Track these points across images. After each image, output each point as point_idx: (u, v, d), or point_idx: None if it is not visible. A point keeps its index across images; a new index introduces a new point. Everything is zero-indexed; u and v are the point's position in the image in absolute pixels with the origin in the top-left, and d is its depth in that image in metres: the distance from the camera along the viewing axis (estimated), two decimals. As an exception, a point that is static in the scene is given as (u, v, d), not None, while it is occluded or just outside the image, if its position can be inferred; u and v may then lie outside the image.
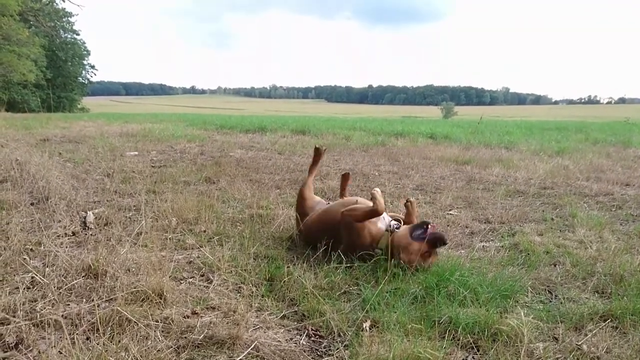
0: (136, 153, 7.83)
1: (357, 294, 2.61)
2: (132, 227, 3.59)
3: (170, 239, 3.40)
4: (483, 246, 3.52)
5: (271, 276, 2.78)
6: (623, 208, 4.65)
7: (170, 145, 9.03)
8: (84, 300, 2.36)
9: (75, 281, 2.55)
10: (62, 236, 3.37)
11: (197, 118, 20.26)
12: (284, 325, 2.28)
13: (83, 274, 2.64)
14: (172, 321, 2.18)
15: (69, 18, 43.69)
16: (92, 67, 49.87)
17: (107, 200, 4.45)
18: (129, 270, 2.69)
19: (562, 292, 2.69)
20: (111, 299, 2.35)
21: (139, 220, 3.73)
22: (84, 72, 48.74)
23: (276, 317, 2.36)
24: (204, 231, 3.61)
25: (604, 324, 2.29)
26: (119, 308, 2.13)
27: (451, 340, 2.13)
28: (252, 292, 2.59)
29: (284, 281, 2.68)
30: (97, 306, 2.24)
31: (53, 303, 2.31)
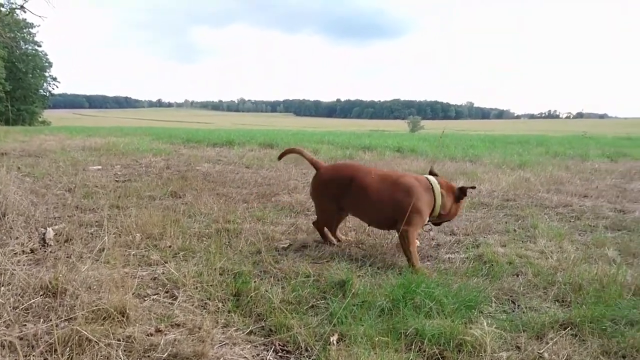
0: (99, 167, 7.65)
1: (325, 307, 2.60)
2: (94, 243, 3.49)
3: (134, 255, 3.33)
4: (449, 258, 3.58)
5: (238, 291, 2.75)
6: (581, 219, 4.80)
7: (135, 159, 8.87)
8: (42, 320, 2.28)
9: (32, 300, 2.46)
10: (20, 254, 3.25)
11: (164, 131, 19.96)
12: (250, 341, 2.26)
13: (41, 293, 2.55)
14: (135, 340, 2.12)
15: (30, 29, 42.68)
16: (54, 79, 48.67)
17: (68, 216, 4.33)
18: (90, 288, 2.61)
19: (525, 301, 2.75)
20: (71, 318, 2.27)
21: (101, 236, 3.63)
22: (45, 84, 47.50)
23: (243, 332, 2.33)
24: (169, 246, 3.55)
25: (564, 331, 2.35)
26: (78, 327, 2.07)
27: (417, 351, 2.15)
28: (218, 308, 2.55)
29: (251, 296, 2.66)
30: (56, 326, 2.16)
31: (8, 324, 2.22)
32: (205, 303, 2.62)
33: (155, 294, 2.72)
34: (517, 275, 3.19)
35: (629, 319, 2.46)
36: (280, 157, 4.23)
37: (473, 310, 2.56)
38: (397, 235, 3.69)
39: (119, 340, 2.11)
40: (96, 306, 2.35)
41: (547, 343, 2.26)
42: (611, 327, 2.39)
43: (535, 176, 7.42)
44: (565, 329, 2.38)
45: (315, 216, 3.94)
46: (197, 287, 2.80)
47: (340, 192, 3.61)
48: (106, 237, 3.43)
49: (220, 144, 12.43)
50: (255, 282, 2.86)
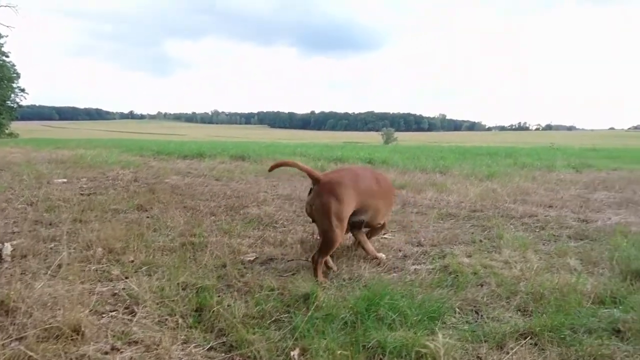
0: (65, 180, 7.47)
1: (289, 321, 2.57)
2: (53, 258, 3.39)
3: (94, 270, 3.24)
4: (415, 269, 3.58)
5: (200, 306, 2.70)
6: (546, 229, 4.88)
7: (102, 172, 8.69)
8: (-10, 340, 2.19)
9: (-18, 319, 2.36)
10: (-27, 270, 3.13)
11: (134, 144, 19.67)
12: (210, 357, 2.21)
13: (-8, 312, 2.46)
14: (89, 358, 2.06)
15: (-2, 39, 41.69)
16: (22, 90, 47.44)
17: (28, 231, 4.19)
18: (44, 306, 2.52)
19: (487, 311, 2.77)
20: (21, 338, 2.19)
21: (61, 251, 3.53)
22: (13, 95, 46.31)
23: (203, 349, 2.28)
24: (132, 261, 3.46)
25: (524, 341, 2.37)
26: (23, 348, 1.98)
27: (378, 364, 2.13)
28: (178, 324, 2.49)
29: (213, 311, 2.61)
30: (3, 346, 2.08)
31: (-46, 344, 2.12)
32: (165, 319, 2.56)
33: (113, 311, 2.64)
34: (481, 286, 3.21)
35: (587, 327, 2.51)
36: (271, 169, 3.68)
37: (436, 322, 2.56)
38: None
39: (71, 359, 2.03)
40: (50, 324, 2.27)
41: (508, 353, 2.27)
42: (570, 336, 2.42)
43: (502, 187, 7.54)
44: (525, 338, 2.40)
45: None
46: (157, 302, 2.74)
47: (363, 200, 3.46)
48: (65, 252, 3.34)
49: (191, 156, 12.30)
50: (218, 296, 2.82)
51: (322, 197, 3.30)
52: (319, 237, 3.48)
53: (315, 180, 3.40)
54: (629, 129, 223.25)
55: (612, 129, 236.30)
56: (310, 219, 3.57)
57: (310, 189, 3.45)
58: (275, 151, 14.54)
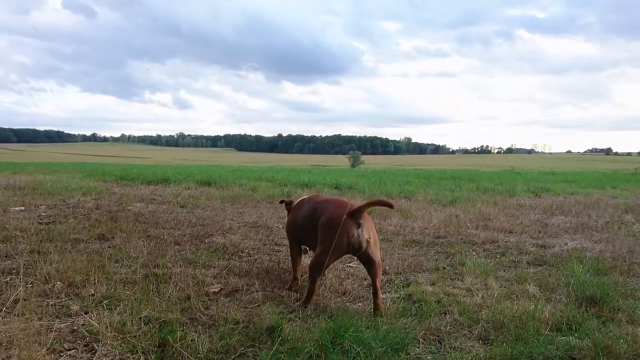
0: (22, 208, 7.24)
1: (254, 356, 2.55)
2: (9, 293, 3.27)
3: (52, 305, 3.14)
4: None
5: (163, 342, 2.65)
6: (506, 255, 5.02)
7: (62, 199, 8.46)
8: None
9: None
10: None
11: (97, 168, 19.25)
12: (172, 396, 2.17)
13: (-59, 354, 2.35)
14: (45, 402, 1.99)
15: (-47, 60, 40.46)
16: (-22, 112, 45.95)
17: (-18, 264, 4.04)
18: (-1, 345, 2.43)
19: (450, 341, 2.82)
20: (-27, 382, 2.10)
21: (17, 285, 3.41)
22: (-33, 117, 44.79)
23: (165, 387, 2.23)
24: (92, 295, 3.38)
25: (484, 371, 2.42)
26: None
27: (343, 399, 2.14)
28: (140, 362, 2.44)
29: (176, 347, 2.56)
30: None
31: None
32: (127, 356, 2.50)
33: (72, 349, 2.57)
34: (445, 314, 3.26)
35: (545, 355, 2.58)
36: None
37: (400, 353, 2.59)
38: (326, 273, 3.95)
39: (26, 403, 1.97)
40: (4, 366, 2.19)
41: (469, 384, 2.31)
42: (528, 365, 2.49)
43: (465, 213, 7.72)
44: (486, 368, 2.46)
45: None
46: (118, 338, 2.67)
47: None
48: (21, 287, 3.23)
49: (155, 182, 12.11)
50: (182, 331, 2.77)
51: (374, 229, 3.40)
52: (375, 270, 3.29)
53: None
54: (585, 152, 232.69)
55: (569, 152, 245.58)
56: (353, 255, 3.42)
57: (359, 223, 3.22)
58: (242, 176, 14.48)
